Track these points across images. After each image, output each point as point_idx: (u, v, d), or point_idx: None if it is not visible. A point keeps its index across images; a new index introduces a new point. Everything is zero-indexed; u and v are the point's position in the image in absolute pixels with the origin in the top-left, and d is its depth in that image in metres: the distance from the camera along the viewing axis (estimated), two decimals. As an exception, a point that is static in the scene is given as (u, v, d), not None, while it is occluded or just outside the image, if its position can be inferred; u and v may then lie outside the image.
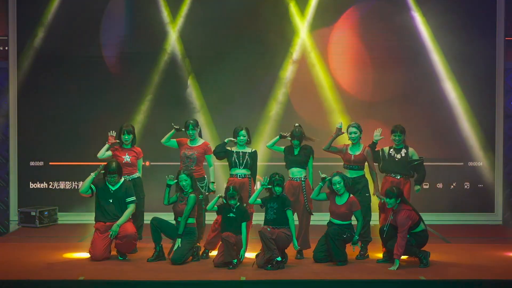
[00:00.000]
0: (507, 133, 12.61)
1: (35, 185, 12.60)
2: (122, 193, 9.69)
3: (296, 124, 10.03)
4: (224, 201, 9.49)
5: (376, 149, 10.06)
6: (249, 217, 9.51)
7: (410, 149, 10.03)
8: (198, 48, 12.61)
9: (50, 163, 12.60)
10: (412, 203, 9.56)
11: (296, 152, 9.93)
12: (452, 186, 12.65)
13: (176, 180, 9.64)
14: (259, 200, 9.46)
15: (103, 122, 12.11)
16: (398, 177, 9.90)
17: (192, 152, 10.13)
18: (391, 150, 10.05)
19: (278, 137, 10.02)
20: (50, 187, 12.61)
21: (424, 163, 10.05)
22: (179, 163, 10.24)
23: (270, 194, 9.47)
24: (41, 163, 12.59)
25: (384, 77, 12.57)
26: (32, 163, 12.58)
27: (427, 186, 12.56)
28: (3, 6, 12.44)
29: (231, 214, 9.41)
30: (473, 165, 12.63)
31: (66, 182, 12.60)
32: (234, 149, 10.00)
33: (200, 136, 10.31)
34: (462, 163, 12.63)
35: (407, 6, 12.55)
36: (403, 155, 9.99)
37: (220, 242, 9.36)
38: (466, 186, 12.64)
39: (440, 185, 12.64)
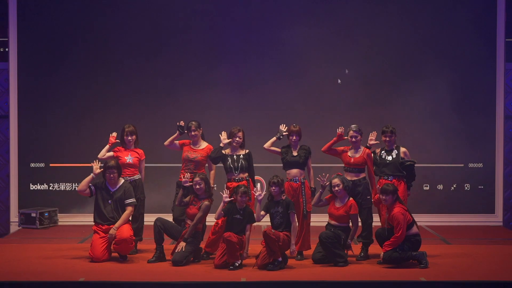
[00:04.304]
0: (507, 134, 12.61)
1: (36, 187, 12.59)
2: (121, 194, 9.68)
3: (294, 124, 10.00)
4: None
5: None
6: (254, 220, 9.45)
7: (402, 149, 9.91)
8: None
9: (51, 165, 12.60)
10: (410, 205, 9.54)
11: (294, 153, 9.89)
12: (452, 188, 12.63)
13: (191, 183, 9.61)
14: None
15: (104, 124, 12.12)
16: (390, 179, 9.77)
17: (195, 155, 10.04)
18: (383, 152, 9.94)
19: (275, 137, 9.97)
20: (50, 188, 12.61)
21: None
22: (177, 165, 10.22)
23: (271, 199, 9.45)
24: (42, 165, 12.58)
25: (383, 78, 12.61)
26: (32, 165, 12.58)
27: (428, 188, 12.56)
28: (3, 7, 12.46)
29: (238, 216, 9.39)
30: (474, 167, 12.62)
31: (66, 184, 12.59)
32: (228, 152, 9.94)
33: (203, 138, 10.23)
34: (462, 165, 12.61)
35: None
36: (394, 156, 9.85)
37: (221, 244, 9.36)
38: (466, 188, 12.63)
39: (440, 187, 12.62)
